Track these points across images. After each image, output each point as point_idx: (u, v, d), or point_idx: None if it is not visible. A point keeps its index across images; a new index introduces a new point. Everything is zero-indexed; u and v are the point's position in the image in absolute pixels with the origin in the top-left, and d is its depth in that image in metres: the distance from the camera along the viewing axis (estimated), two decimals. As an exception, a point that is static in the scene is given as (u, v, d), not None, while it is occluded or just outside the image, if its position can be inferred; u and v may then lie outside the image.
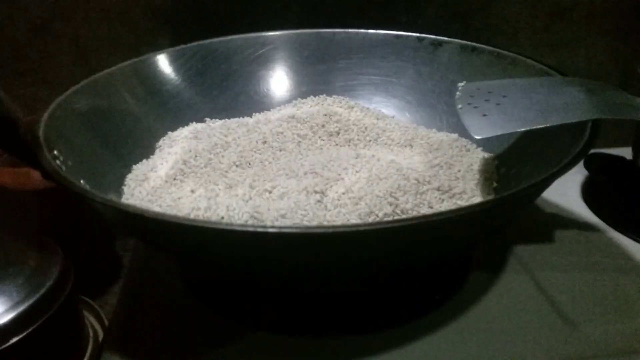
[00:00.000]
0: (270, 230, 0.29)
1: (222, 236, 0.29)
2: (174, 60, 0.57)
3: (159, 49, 0.65)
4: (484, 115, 0.41)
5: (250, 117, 0.59)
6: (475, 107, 0.43)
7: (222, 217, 0.38)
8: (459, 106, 0.43)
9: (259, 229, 0.28)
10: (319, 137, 0.55)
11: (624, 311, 0.42)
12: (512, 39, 0.72)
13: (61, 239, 0.53)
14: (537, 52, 0.73)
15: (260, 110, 0.60)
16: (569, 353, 0.39)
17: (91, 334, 0.57)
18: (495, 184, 0.46)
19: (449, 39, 0.57)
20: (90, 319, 0.60)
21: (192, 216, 0.39)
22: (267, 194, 0.43)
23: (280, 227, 0.29)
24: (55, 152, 0.40)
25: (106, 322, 0.60)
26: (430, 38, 0.58)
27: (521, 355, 0.39)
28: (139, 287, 0.48)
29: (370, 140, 0.55)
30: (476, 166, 0.48)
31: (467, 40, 0.57)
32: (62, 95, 0.46)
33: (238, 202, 0.41)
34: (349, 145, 0.54)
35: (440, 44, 0.57)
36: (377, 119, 0.57)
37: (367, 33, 0.61)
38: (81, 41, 0.67)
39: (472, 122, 0.41)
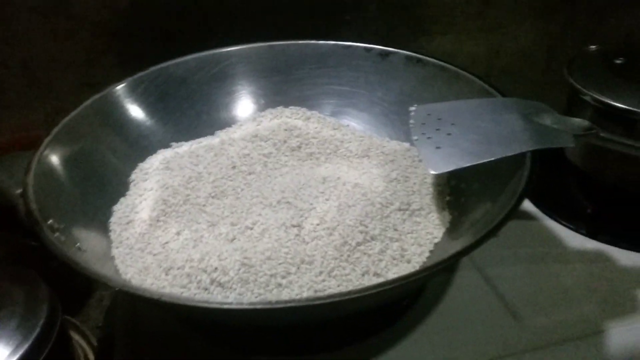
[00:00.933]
0: (259, 306, 0.34)
1: (227, 313, 0.34)
2: (133, 90, 0.58)
3: (110, 66, 0.67)
4: (438, 147, 0.47)
5: (213, 134, 0.62)
6: (428, 137, 0.48)
7: (216, 268, 0.43)
8: (415, 137, 0.48)
9: (258, 306, 0.34)
10: (283, 153, 0.59)
11: (563, 300, 0.50)
12: (448, 27, 0.77)
13: (30, 255, 0.54)
14: (471, 36, 0.78)
15: (222, 126, 0.63)
16: (520, 346, 0.46)
17: (81, 354, 0.61)
18: (447, 197, 0.52)
19: (395, 50, 0.61)
20: (76, 337, 0.64)
21: (187, 268, 0.43)
22: (248, 231, 0.48)
23: (255, 304, 0.34)
24: (51, 220, 0.42)
25: (92, 340, 0.64)
26: (377, 49, 0.62)
27: (479, 353, 0.46)
28: (126, 310, 0.52)
29: (330, 153, 0.59)
30: (429, 179, 0.54)
31: (413, 49, 0.61)
32: (39, 150, 0.48)
33: (226, 246, 0.45)
34: (311, 159, 0.59)
35: (387, 54, 0.61)
36: (334, 129, 0.62)
37: (317, 44, 0.64)
38: (31, 63, 0.67)
39: (428, 156, 0.46)
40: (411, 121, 0.50)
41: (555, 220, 0.59)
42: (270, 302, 0.35)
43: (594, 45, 0.65)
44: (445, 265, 0.36)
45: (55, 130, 0.51)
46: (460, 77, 0.56)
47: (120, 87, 0.57)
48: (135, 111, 0.58)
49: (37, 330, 0.47)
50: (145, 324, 0.49)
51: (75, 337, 0.64)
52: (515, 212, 0.39)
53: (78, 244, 0.44)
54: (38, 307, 0.49)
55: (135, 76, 0.59)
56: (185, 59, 0.62)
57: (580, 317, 0.48)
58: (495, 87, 0.53)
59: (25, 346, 0.46)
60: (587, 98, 0.56)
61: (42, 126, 0.69)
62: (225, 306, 0.33)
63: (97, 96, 0.56)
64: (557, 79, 0.60)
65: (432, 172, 0.45)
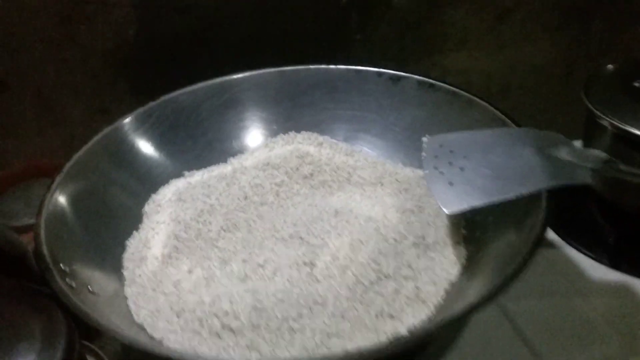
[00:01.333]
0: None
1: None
2: (144, 122, 0.58)
3: (121, 92, 0.67)
4: (450, 184, 0.46)
5: (226, 161, 0.61)
6: (441, 172, 0.47)
7: (227, 312, 0.42)
8: (426, 171, 0.47)
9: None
10: (295, 181, 0.58)
11: (585, 337, 0.49)
12: (461, 44, 0.75)
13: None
14: (485, 53, 0.76)
15: (234, 153, 0.62)
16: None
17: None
18: (463, 231, 0.51)
19: (407, 74, 0.60)
20: (94, 364, 0.64)
21: (198, 311, 0.43)
22: (260, 270, 0.47)
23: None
24: (61, 265, 0.42)
25: (112, 366, 0.64)
26: (388, 73, 0.61)
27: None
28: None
29: (342, 181, 0.58)
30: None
31: (424, 75, 0.60)
32: (50, 191, 0.48)
33: (237, 288, 0.45)
34: (323, 187, 0.58)
35: (398, 79, 0.61)
36: (346, 155, 0.61)
37: (328, 69, 0.63)
38: (44, 92, 0.67)
39: (441, 194, 0.45)
40: (423, 154, 0.49)
41: (576, 248, 0.57)
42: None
43: (612, 62, 0.63)
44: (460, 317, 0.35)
45: (67, 167, 0.51)
46: (474, 104, 0.55)
47: (129, 120, 0.57)
48: (147, 143, 0.58)
49: None
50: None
51: (94, 363, 0.64)
52: (528, 263, 0.38)
53: (89, 287, 0.44)
54: (55, 339, 0.49)
55: (146, 107, 0.59)
56: (195, 87, 0.62)
57: (603, 356, 0.47)
58: (509, 116, 0.52)
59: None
60: (605, 123, 0.55)
61: (57, 153, 0.69)
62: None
63: (107, 130, 0.56)
64: (575, 95, 0.58)
65: (446, 211, 0.44)
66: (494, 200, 0.43)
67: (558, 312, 0.52)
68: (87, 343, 0.66)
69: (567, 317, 0.51)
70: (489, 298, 0.37)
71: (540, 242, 0.40)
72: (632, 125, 0.53)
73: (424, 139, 0.51)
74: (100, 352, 0.66)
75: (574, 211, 0.62)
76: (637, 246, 0.58)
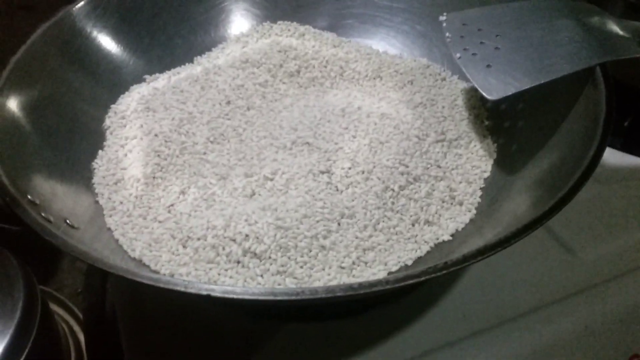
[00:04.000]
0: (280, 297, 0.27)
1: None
2: (92, 11, 0.47)
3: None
4: (488, 66, 0.39)
5: (192, 62, 0.52)
6: (473, 54, 0.41)
7: (247, 236, 0.35)
8: (457, 55, 0.41)
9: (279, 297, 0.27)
10: (280, 80, 0.50)
11: (612, 225, 0.46)
12: None
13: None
14: None
15: (201, 52, 0.53)
16: (579, 284, 0.42)
17: (65, 328, 0.54)
18: (486, 122, 0.46)
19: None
20: (55, 308, 0.56)
21: (210, 238, 0.35)
22: (269, 182, 0.40)
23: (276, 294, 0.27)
24: (29, 196, 0.33)
25: (75, 309, 0.56)
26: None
27: (538, 293, 0.41)
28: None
29: (335, 76, 0.51)
30: (460, 100, 0.47)
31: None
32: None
33: (249, 206, 0.37)
34: (314, 86, 0.50)
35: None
36: (334, 46, 0.53)
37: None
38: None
39: (479, 78, 0.39)
40: (447, 34, 0.42)
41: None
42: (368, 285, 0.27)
43: None
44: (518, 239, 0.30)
45: (6, 72, 0.40)
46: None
47: (76, 9, 0.46)
48: (98, 38, 0.47)
49: (17, 315, 0.40)
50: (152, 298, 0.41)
51: (54, 308, 0.57)
52: (599, 157, 0.33)
53: (67, 220, 0.35)
54: (13, 287, 0.41)
55: (89, -7, 0.47)
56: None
57: (634, 242, 0.45)
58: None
59: (7, 338, 0.39)
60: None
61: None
62: (305, 296, 0.26)
63: (49, 23, 0.44)
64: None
65: (490, 98, 0.38)
66: (544, 80, 0.38)
67: (580, 202, 0.48)
68: (44, 288, 0.57)
69: (591, 206, 0.48)
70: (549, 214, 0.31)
71: (607, 137, 0.34)
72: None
73: (442, 17, 0.44)
74: (58, 294, 0.58)
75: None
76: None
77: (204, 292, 0.26)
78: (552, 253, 0.44)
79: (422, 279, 0.27)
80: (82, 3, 0.46)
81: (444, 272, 0.27)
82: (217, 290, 0.26)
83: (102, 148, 0.44)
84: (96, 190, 0.41)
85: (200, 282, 0.33)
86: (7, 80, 0.39)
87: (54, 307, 0.56)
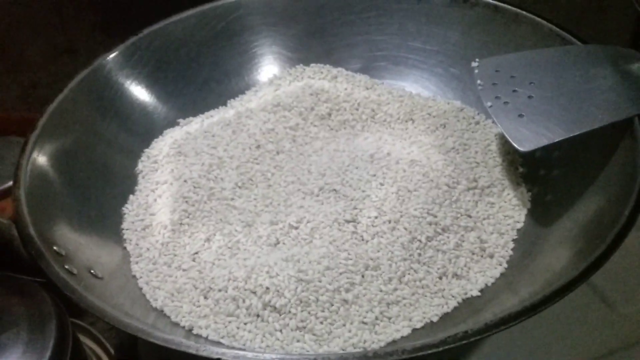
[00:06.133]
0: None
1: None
2: (128, 59, 0.48)
3: (88, 29, 0.56)
4: (520, 115, 0.38)
5: (226, 104, 0.52)
6: (505, 102, 0.40)
7: (267, 289, 0.35)
8: (488, 104, 0.40)
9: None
10: (311, 123, 0.50)
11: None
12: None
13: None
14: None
15: (234, 95, 0.53)
16: (617, 339, 0.40)
17: (94, 360, 0.54)
18: (520, 169, 0.44)
19: (436, -12, 0.51)
20: (87, 343, 0.56)
21: (230, 290, 0.35)
22: (293, 231, 0.40)
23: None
24: (55, 247, 0.34)
25: (107, 345, 0.56)
26: (413, -12, 0.52)
27: (575, 351, 0.39)
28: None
29: (366, 119, 0.50)
30: (494, 145, 0.46)
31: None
32: (24, 154, 0.39)
33: (272, 256, 0.37)
34: (345, 129, 0.50)
35: (425, -6, 0.52)
36: (367, 88, 0.52)
37: (339, -15, 0.53)
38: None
39: (511, 129, 0.38)
40: (478, 81, 0.41)
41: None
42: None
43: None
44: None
45: (42, 121, 0.41)
46: (521, 19, 0.47)
47: (110, 59, 0.47)
48: (133, 85, 0.49)
49: (48, 354, 0.40)
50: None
51: (87, 342, 0.57)
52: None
53: (92, 270, 0.36)
54: (45, 325, 0.42)
55: (128, 42, 0.48)
56: (183, 15, 0.52)
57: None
58: (571, 32, 0.44)
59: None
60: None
61: (16, 105, 0.59)
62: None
63: (84, 73, 0.46)
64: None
65: (521, 149, 0.37)
66: (578, 132, 0.36)
67: (619, 252, 0.46)
68: (77, 321, 0.58)
69: (631, 256, 0.45)
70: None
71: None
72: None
73: (474, 64, 0.43)
74: (92, 329, 0.59)
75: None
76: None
77: (215, 356, 0.26)
78: (592, 308, 0.42)
79: (440, 349, 0.26)
80: (116, 52, 0.47)
81: (464, 341, 0.26)
82: (228, 355, 0.26)
83: (133, 192, 0.45)
84: (125, 236, 0.41)
85: (212, 344, 0.33)
86: (42, 130, 0.40)
87: (87, 341, 0.57)
